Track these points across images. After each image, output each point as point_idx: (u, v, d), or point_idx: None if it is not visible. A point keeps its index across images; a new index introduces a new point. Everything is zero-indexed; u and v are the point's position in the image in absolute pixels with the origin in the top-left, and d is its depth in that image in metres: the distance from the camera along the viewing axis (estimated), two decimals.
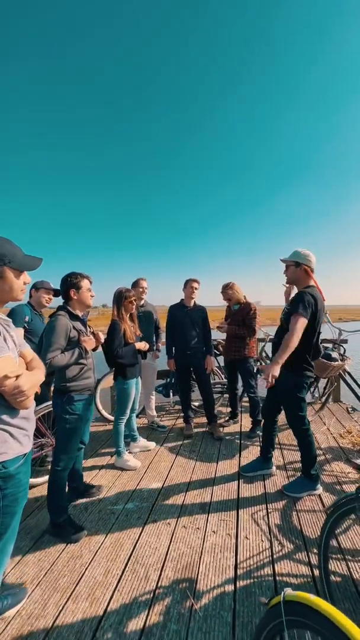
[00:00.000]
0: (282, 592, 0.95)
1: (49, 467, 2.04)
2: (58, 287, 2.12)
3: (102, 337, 2.21)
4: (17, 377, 1.16)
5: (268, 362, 4.57)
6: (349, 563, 1.70)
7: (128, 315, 2.77)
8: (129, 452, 2.98)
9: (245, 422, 3.72)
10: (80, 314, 2.06)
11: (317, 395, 3.89)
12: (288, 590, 0.96)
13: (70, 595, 1.54)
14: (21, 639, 1.34)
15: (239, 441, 3.28)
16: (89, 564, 1.74)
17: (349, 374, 3.63)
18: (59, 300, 2.17)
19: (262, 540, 1.89)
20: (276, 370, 2.07)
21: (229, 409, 3.88)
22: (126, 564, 1.73)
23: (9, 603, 1.45)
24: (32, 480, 2.45)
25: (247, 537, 1.92)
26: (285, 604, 0.92)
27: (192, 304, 3.46)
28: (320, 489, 2.34)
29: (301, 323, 2.09)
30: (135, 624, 1.40)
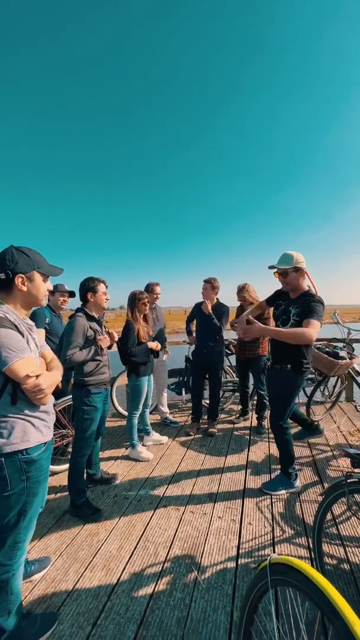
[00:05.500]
0: (269, 557, 1.09)
1: (70, 456, 2.24)
2: (72, 290, 2.31)
3: (116, 336, 2.41)
4: (37, 376, 1.26)
5: None
6: (347, 549, 1.80)
7: (142, 316, 2.95)
8: (143, 445, 3.16)
9: (255, 419, 3.82)
10: (96, 315, 2.27)
11: (326, 394, 3.93)
12: (274, 555, 1.09)
13: (88, 565, 1.74)
14: (46, 598, 1.55)
15: (248, 437, 3.40)
16: (105, 540, 1.93)
17: (359, 372, 3.66)
18: (75, 303, 2.38)
19: (264, 526, 2.01)
20: (256, 333, 2.21)
21: (240, 407, 4.00)
22: (138, 542, 1.90)
23: (35, 568, 1.66)
24: (54, 468, 2.69)
25: (250, 523, 2.04)
26: (270, 566, 1.06)
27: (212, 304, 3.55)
28: (299, 487, 2.37)
29: (319, 328, 2.07)
30: (144, 591, 1.57)
